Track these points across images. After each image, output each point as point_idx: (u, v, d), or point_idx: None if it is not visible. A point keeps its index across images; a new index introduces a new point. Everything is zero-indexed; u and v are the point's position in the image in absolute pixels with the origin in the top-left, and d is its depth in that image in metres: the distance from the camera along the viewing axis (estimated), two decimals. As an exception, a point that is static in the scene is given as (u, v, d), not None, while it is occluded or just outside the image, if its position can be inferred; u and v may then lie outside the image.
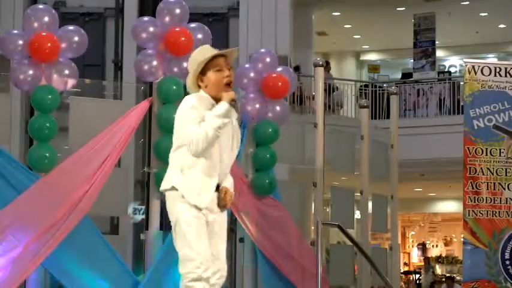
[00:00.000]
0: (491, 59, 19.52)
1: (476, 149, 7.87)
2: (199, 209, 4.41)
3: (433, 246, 25.39)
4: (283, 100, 7.22)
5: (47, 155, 5.89)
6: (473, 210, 7.86)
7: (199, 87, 4.52)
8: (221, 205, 4.51)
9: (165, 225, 5.26)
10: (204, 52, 4.51)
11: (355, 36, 20.98)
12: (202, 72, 4.48)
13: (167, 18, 6.42)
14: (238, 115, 4.61)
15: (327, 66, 18.06)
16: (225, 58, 4.51)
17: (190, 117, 4.39)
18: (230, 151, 4.56)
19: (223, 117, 4.37)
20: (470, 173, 7.87)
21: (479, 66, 8.05)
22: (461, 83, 14.61)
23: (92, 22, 14.40)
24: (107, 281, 5.96)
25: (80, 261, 5.91)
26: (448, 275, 20.47)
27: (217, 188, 4.50)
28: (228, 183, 4.59)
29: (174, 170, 4.49)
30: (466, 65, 8.10)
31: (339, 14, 19.04)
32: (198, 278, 4.35)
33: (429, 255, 24.16)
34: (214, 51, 4.49)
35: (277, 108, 7.01)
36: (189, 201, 4.41)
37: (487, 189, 7.87)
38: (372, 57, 22.95)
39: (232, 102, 4.40)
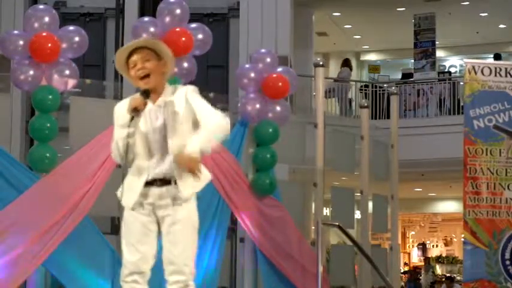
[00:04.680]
0: (492, 59, 19.52)
1: (476, 149, 7.89)
2: (142, 207, 4.41)
3: (433, 246, 25.41)
4: (284, 100, 7.22)
5: (48, 155, 5.89)
6: (473, 210, 7.87)
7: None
8: (186, 170, 4.25)
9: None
10: (117, 55, 4.39)
11: (355, 37, 20.98)
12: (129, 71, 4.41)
13: (167, 19, 6.43)
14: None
15: (347, 64, 18.18)
16: (146, 49, 4.35)
17: (115, 126, 4.40)
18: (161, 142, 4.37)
19: (124, 127, 4.27)
20: (470, 173, 7.88)
21: (479, 66, 8.06)
22: (462, 83, 14.62)
23: (92, 22, 14.39)
24: (107, 281, 5.96)
25: (80, 261, 5.92)
26: (448, 275, 20.48)
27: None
28: (191, 143, 4.23)
29: None
30: (466, 65, 8.12)
31: (339, 14, 19.04)
32: (124, 280, 4.44)
33: (429, 255, 24.17)
34: (119, 54, 4.36)
35: (278, 108, 7.01)
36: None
37: (487, 189, 7.89)
38: (372, 57, 22.96)
39: (132, 113, 4.23)
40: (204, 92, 4.80)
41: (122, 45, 13.88)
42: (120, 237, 4.54)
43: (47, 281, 6.02)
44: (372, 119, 13.99)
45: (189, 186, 4.40)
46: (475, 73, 7.99)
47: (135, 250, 4.42)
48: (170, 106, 4.36)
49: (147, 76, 4.32)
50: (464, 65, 8.31)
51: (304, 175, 8.22)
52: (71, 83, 6.13)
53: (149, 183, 4.40)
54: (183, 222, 4.45)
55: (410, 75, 18.23)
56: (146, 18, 6.63)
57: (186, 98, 4.38)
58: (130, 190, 4.42)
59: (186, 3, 6.54)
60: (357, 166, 8.30)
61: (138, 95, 4.34)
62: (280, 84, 6.94)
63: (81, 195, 5.83)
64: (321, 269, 6.51)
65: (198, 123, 4.32)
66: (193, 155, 4.15)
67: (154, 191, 4.41)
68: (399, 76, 19.53)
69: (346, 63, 18.51)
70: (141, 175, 4.40)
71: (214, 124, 4.28)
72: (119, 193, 4.51)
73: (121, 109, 4.40)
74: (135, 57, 4.34)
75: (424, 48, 17.75)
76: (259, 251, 6.85)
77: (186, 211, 4.47)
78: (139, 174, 4.41)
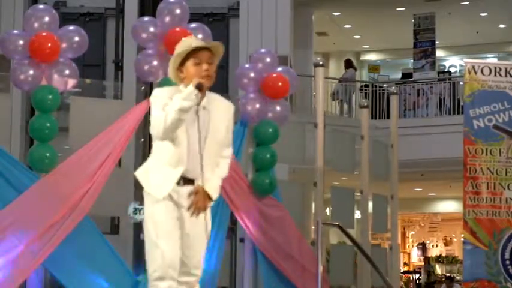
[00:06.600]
0: (491, 59, 19.53)
1: (476, 149, 7.89)
2: (170, 201, 4.40)
3: (433, 246, 25.40)
4: (284, 100, 7.22)
5: (48, 155, 5.89)
6: (473, 210, 7.87)
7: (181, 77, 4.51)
8: (190, 207, 4.41)
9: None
10: (187, 43, 4.48)
11: (355, 36, 20.98)
12: (183, 63, 4.47)
13: (167, 18, 6.43)
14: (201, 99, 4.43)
15: (351, 65, 18.24)
16: (209, 52, 4.49)
17: (154, 106, 4.41)
18: (199, 141, 4.41)
19: (186, 99, 4.29)
20: (470, 173, 7.88)
21: (479, 66, 8.07)
22: (461, 83, 14.63)
23: (92, 22, 14.39)
24: (107, 281, 5.96)
25: (80, 261, 5.91)
26: (448, 274, 20.48)
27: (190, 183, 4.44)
28: (211, 183, 4.46)
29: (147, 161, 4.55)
30: (466, 65, 8.12)
31: (339, 14, 19.04)
32: (160, 277, 4.38)
33: (429, 255, 24.17)
34: (195, 44, 4.48)
35: (278, 108, 7.01)
36: (153, 196, 4.44)
37: (487, 189, 7.89)
38: (372, 57, 22.96)
39: (199, 85, 4.33)
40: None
41: (122, 45, 14.01)
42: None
43: (46, 281, 6.02)
44: (372, 119, 14.01)
45: (216, 190, 4.48)
46: (475, 73, 8.00)
47: (174, 244, 4.39)
48: (213, 111, 4.49)
49: (208, 77, 4.45)
50: (464, 64, 8.32)
51: (304, 175, 8.22)
52: (71, 83, 6.13)
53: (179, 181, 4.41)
54: (203, 225, 4.49)
55: (410, 75, 18.25)
56: (146, 18, 6.63)
57: (230, 116, 4.59)
58: (167, 180, 4.40)
59: (186, 3, 6.53)
60: (356, 166, 8.30)
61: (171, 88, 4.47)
62: (280, 84, 6.94)
63: (81, 195, 5.82)
64: (320, 269, 6.51)
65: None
66: (211, 199, 4.42)
67: (183, 189, 4.43)
68: (399, 76, 19.55)
69: (349, 64, 18.53)
70: (177, 166, 4.39)
71: (226, 169, 4.59)
72: (141, 176, 4.50)
73: (166, 92, 4.44)
74: (203, 54, 4.45)
75: (424, 48, 17.76)
76: (259, 251, 6.85)
77: (207, 214, 4.51)
78: (174, 165, 4.39)
